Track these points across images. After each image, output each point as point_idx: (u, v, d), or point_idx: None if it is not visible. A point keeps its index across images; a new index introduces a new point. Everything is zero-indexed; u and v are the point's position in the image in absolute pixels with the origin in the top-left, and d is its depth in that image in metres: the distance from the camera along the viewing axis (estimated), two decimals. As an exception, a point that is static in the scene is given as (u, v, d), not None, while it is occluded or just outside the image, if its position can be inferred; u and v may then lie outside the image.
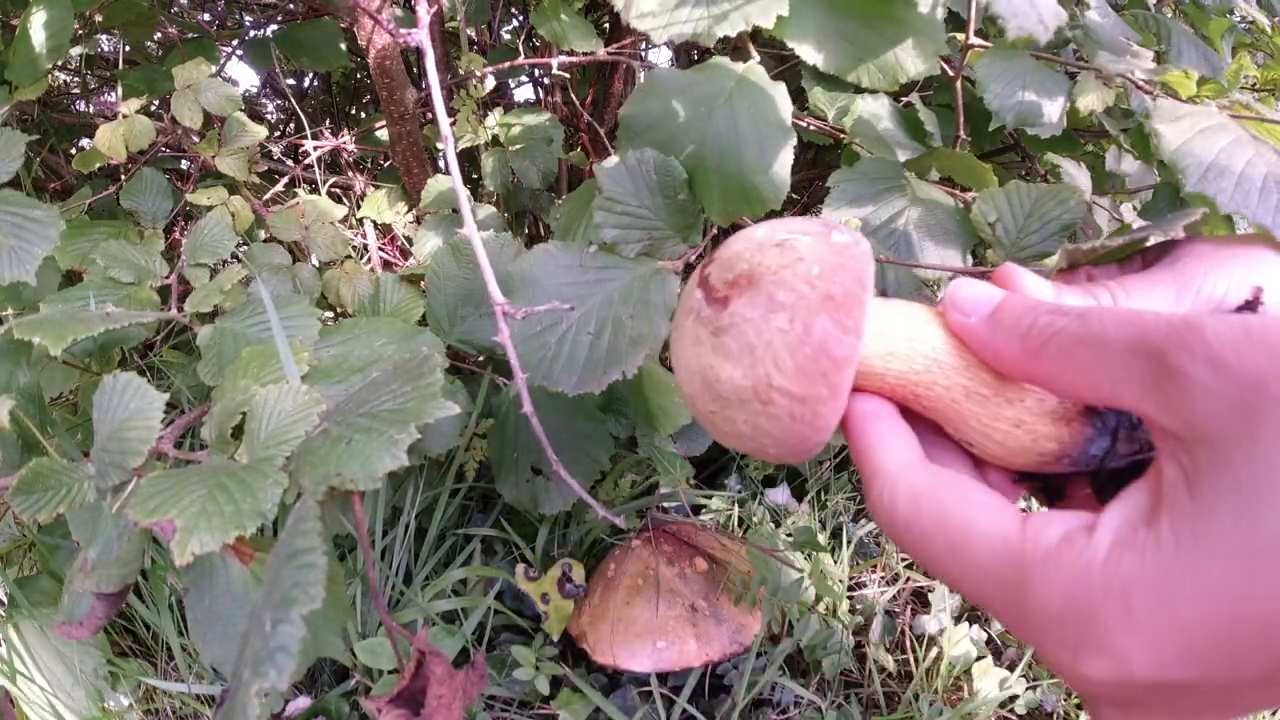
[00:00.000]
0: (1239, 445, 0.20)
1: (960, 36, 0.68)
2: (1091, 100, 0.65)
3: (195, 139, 0.98)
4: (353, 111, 1.61)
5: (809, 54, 0.63)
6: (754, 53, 0.64)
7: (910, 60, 0.65)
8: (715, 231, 0.65)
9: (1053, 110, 0.66)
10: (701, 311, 0.29)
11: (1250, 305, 0.30)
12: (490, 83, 1.04)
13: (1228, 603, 0.20)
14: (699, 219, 0.63)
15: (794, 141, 0.60)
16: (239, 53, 1.26)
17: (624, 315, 0.61)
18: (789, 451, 0.29)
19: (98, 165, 0.96)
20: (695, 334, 0.29)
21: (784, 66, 0.85)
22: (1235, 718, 0.22)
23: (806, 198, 1.24)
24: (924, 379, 0.29)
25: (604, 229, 0.62)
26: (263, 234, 1.02)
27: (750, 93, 0.60)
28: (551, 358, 0.61)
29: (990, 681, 0.95)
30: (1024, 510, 0.25)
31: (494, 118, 1.06)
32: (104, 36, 1.35)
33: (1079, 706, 0.98)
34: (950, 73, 0.71)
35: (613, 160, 0.61)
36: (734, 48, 0.64)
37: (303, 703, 0.89)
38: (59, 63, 0.91)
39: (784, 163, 0.59)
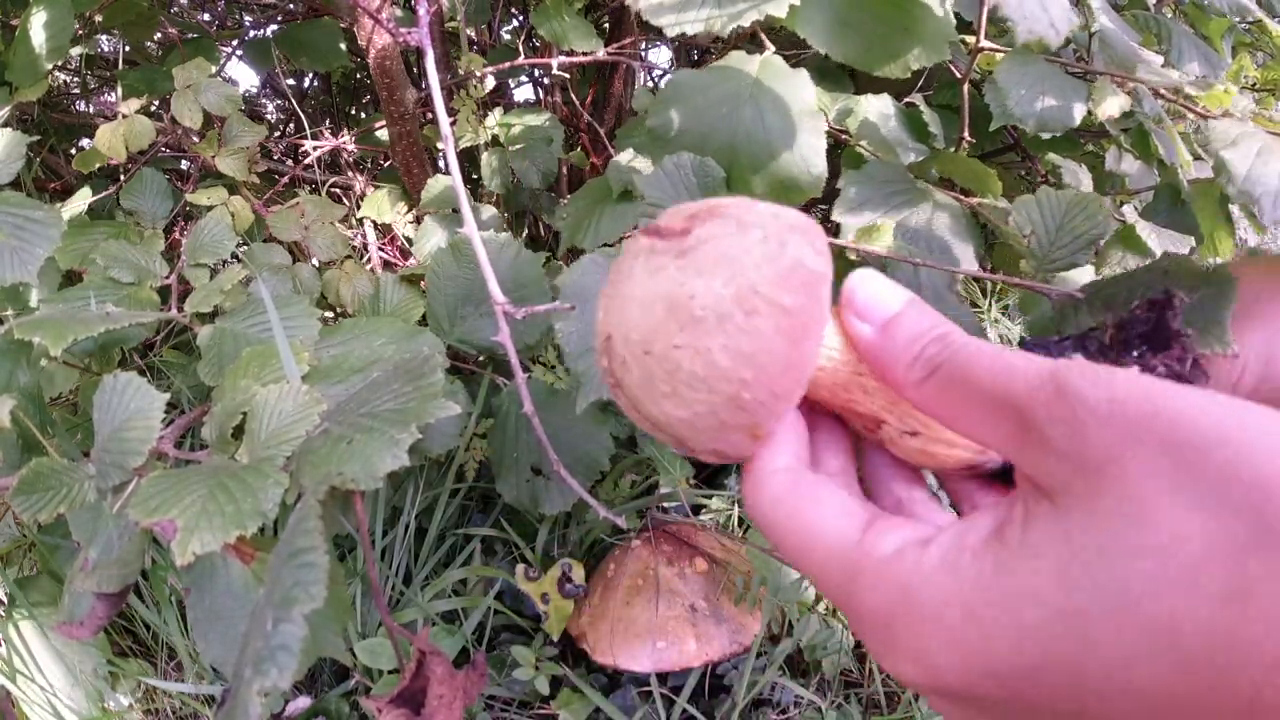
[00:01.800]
0: (1079, 508, 0.22)
1: (969, 39, 0.68)
2: (1110, 107, 0.65)
3: (195, 139, 0.98)
4: (353, 111, 1.61)
5: (820, 44, 0.63)
6: (769, 43, 0.64)
7: (921, 50, 0.65)
8: None
9: (1077, 113, 0.66)
10: (655, 246, 0.26)
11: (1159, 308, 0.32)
12: (490, 83, 1.04)
13: (1032, 644, 0.21)
14: None
15: (824, 126, 0.60)
16: (239, 53, 1.27)
17: None
18: (768, 391, 0.26)
19: (98, 165, 0.96)
20: (651, 266, 0.26)
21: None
22: None
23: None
24: (834, 382, 0.28)
25: None
26: (263, 234, 1.02)
27: (772, 85, 0.60)
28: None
29: (990, 681, 0.95)
30: (873, 519, 0.26)
31: (494, 118, 1.06)
32: (104, 36, 1.35)
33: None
34: (958, 75, 0.71)
35: (644, 164, 0.60)
36: (748, 38, 0.64)
37: (303, 703, 0.89)
38: (59, 63, 0.91)
39: (817, 149, 0.59)
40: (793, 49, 0.86)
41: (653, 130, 0.63)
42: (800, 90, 0.60)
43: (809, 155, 0.59)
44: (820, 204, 0.74)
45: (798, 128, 0.59)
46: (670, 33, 0.59)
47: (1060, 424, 0.22)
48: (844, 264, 0.73)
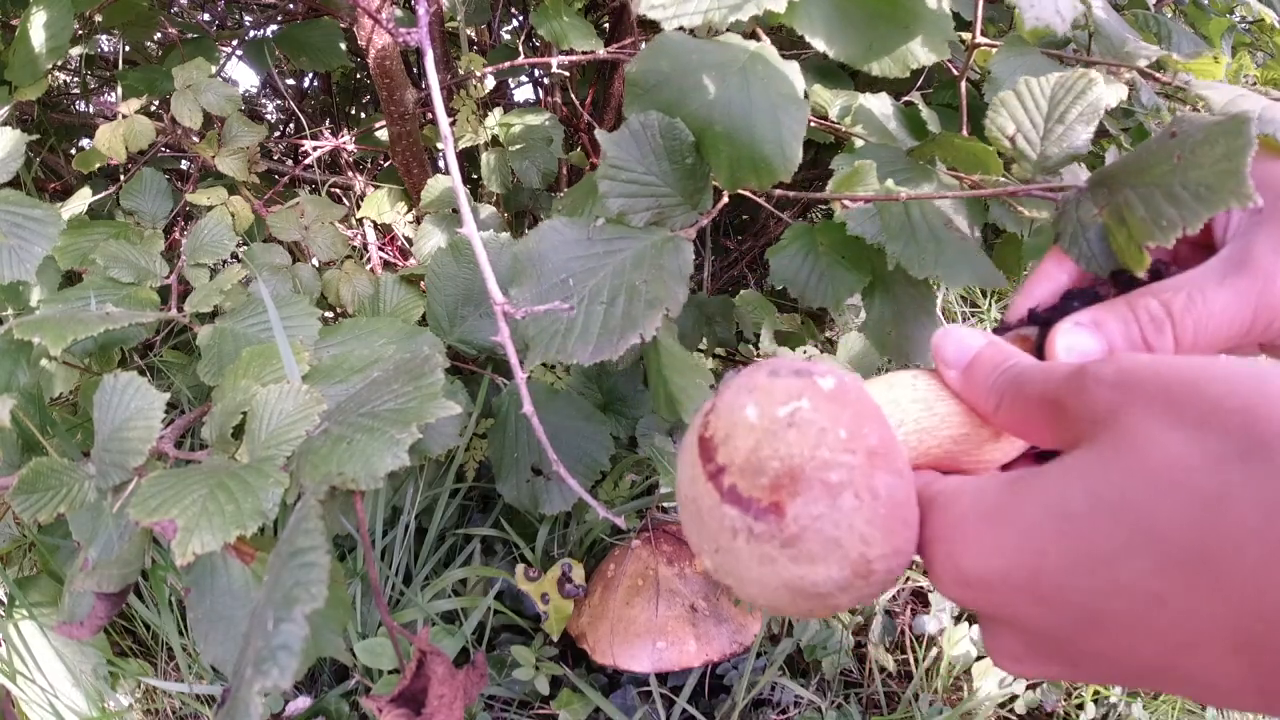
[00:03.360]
0: (1085, 448, 0.26)
1: (965, 36, 0.68)
2: (1108, 96, 0.65)
3: (195, 139, 0.98)
4: (353, 111, 1.61)
5: (819, 42, 0.62)
6: (764, 38, 0.64)
7: (920, 48, 0.64)
8: (725, 201, 0.63)
9: None
10: (754, 529, 0.27)
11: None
12: (490, 83, 1.04)
13: (1033, 544, 0.25)
14: (708, 183, 0.61)
15: (807, 115, 0.58)
16: (239, 53, 1.26)
17: (637, 281, 0.58)
18: (885, 590, 0.30)
19: (98, 165, 0.96)
20: (760, 554, 0.28)
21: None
22: (1071, 677, 0.27)
23: (806, 199, 1.24)
24: (922, 447, 0.33)
25: (609, 199, 0.59)
26: (263, 234, 1.02)
27: (764, 65, 0.59)
28: (564, 331, 0.58)
29: (990, 681, 0.95)
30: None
31: (494, 118, 1.06)
32: (104, 36, 1.35)
33: (1079, 707, 0.98)
34: (955, 72, 0.71)
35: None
36: (747, 35, 0.64)
37: (303, 703, 0.89)
38: (59, 63, 0.91)
39: (796, 135, 0.58)
40: (792, 50, 0.86)
41: (631, 76, 0.60)
42: (790, 77, 0.59)
43: (787, 139, 0.58)
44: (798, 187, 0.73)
45: (781, 109, 0.58)
46: (669, 26, 0.58)
47: (1078, 394, 0.27)
48: (838, 230, 0.73)
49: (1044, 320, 0.38)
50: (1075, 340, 0.35)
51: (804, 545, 0.27)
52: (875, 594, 0.29)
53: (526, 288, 0.59)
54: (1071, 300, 0.38)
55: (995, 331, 0.38)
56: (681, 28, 0.57)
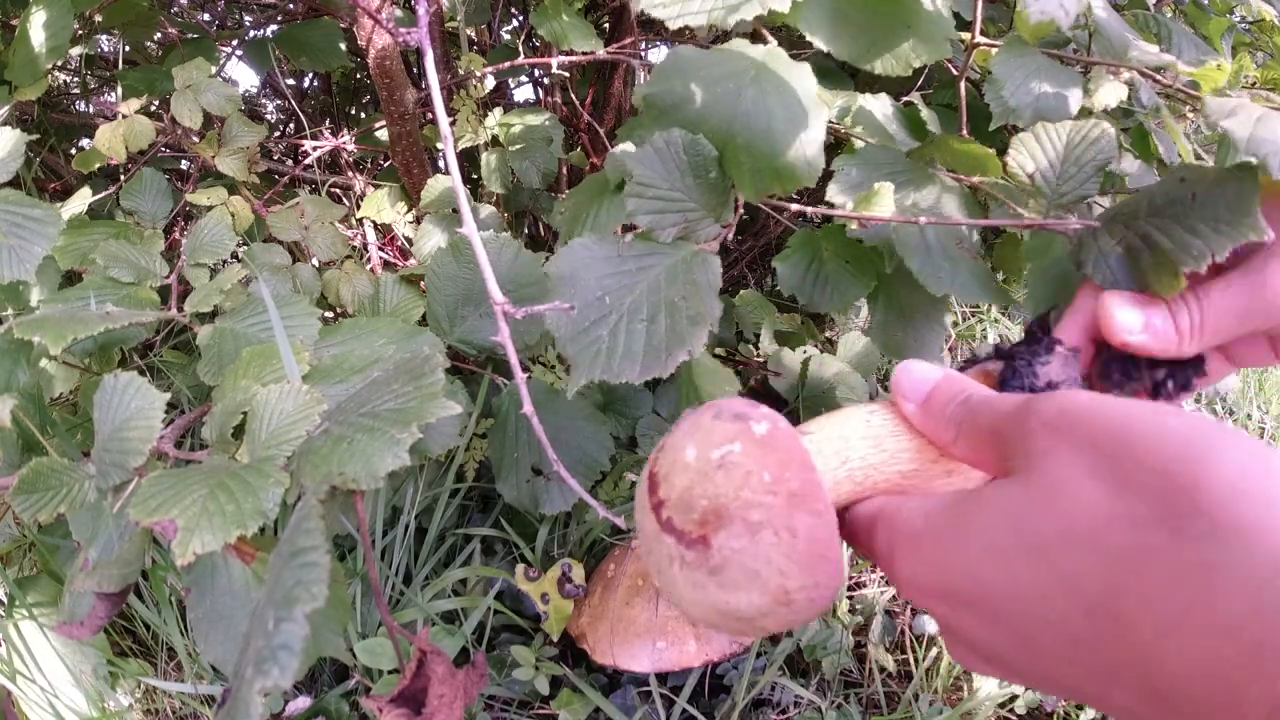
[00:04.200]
0: (1018, 481, 0.27)
1: (965, 36, 0.68)
2: (1107, 96, 0.65)
3: (195, 139, 0.98)
4: (353, 111, 1.61)
5: (821, 42, 0.62)
6: (769, 37, 0.64)
7: (920, 48, 0.64)
8: (741, 211, 0.64)
9: (1073, 100, 0.65)
10: (685, 557, 0.31)
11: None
12: (490, 83, 1.04)
13: (973, 571, 0.27)
14: (730, 196, 0.62)
15: (826, 118, 0.59)
16: (239, 53, 1.26)
17: (676, 297, 0.59)
18: (814, 617, 0.32)
19: (98, 165, 0.96)
20: (691, 580, 0.31)
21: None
22: (1020, 683, 0.29)
23: (806, 198, 1.24)
24: (869, 482, 0.34)
25: (638, 215, 0.60)
26: (263, 234, 1.02)
27: (776, 71, 0.59)
28: (607, 351, 0.59)
29: (990, 681, 0.95)
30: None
31: (494, 118, 1.06)
32: (104, 36, 1.35)
33: (1079, 707, 0.98)
34: (954, 72, 0.71)
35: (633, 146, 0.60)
36: (750, 36, 0.64)
37: (303, 703, 0.89)
38: (59, 63, 0.91)
39: (817, 140, 0.58)
40: (793, 49, 0.86)
41: (648, 99, 0.61)
42: (804, 79, 0.59)
43: (809, 145, 0.58)
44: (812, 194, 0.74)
45: (799, 114, 0.58)
46: (673, 25, 0.58)
47: (1018, 427, 0.28)
48: (841, 234, 0.73)
49: (1008, 355, 0.40)
50: (1125, 315, 0.39)
51: (727, 574, 0.30)
52: (803, 619, 0.31)
53: (557, 315, 0.59)
54: (1036, 334, 0.41)
55: (963, 365, 0.41)
56: (686, 28, 0.57)
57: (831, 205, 0.65)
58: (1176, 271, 0.40)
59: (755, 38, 0.64)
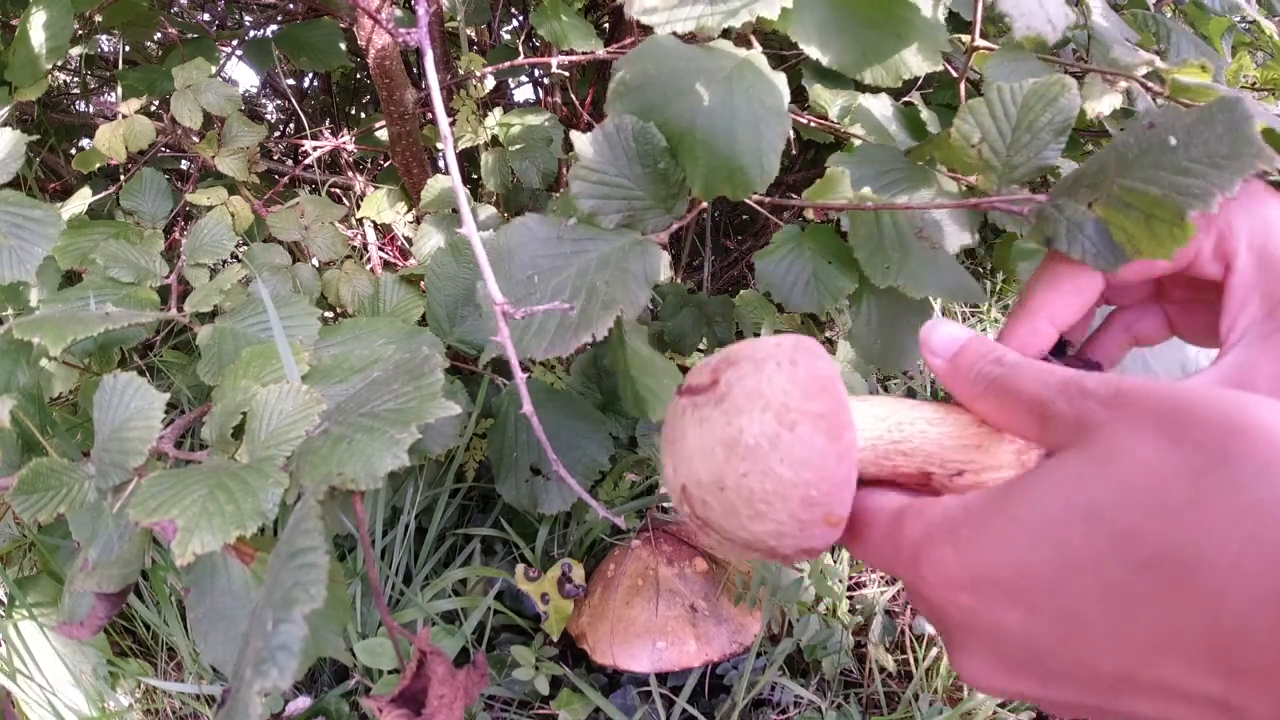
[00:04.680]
0: (1070, 456, 0.27)
1: (964, 38, 0.68)
2: (1101, 104, 0.65)
3: (195, 139, 0.98)
4: (353, 111, 1.61)
5: (813, 50, 0.62)
6: (756, 44, 0.64)
7: (913, 58, 0.64)
8: (704, 206, 0.64)
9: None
10: (696, 402, 0.32)
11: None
12: (490, 83, 1.04)
13: (1016, 551, 0.26)
14: (682, 188, 0.61)
15: (788, 129, 0.58)
16: (239, 53, 1.26)
17: (599, 282, 0.59)
18: (830, 482, 0.30)
19: (98, 165, 0.96)
20: (698, 418, 0.31)
21: (783, 66, 0.85)
22: (1038, 694, 0.28)
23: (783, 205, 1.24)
24: (875, 457, 0.33)
25: (581, 199, 0.60)
26: (263, 234, 1.02)
27: (750, 75, 0.59)
28: (523, 326, 0.59)
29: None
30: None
31: (494, 118, 1.06)
32: (104, 36, 1.35)
33: (1079, 706, 0.98)
34: (954, 73, 0.71)
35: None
36: (735, 41, 0.64)
37: (303, 703, 0.89)
38: (59, 63, 0.91)
39: (775, 148, 0.58)
40: (789, 51, 0.86)
41: (617, 77, 0.60)
42: (776, 89, 0.59)
43: (766, 151, 0.57)
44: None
45: (763, 121, 0.58)
46: (661, 31, 0.58)
47: (1070, 403, 0.28)
48: (826, 232, 0.73)
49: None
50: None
51: (731, 398, 0.30)
52: (810, 454, 0.29)
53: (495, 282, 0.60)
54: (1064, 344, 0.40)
55: None
56: (674, 33, 0.57)
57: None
58: (1181, 217, 0.35)
59: (743, 43, 0.64)
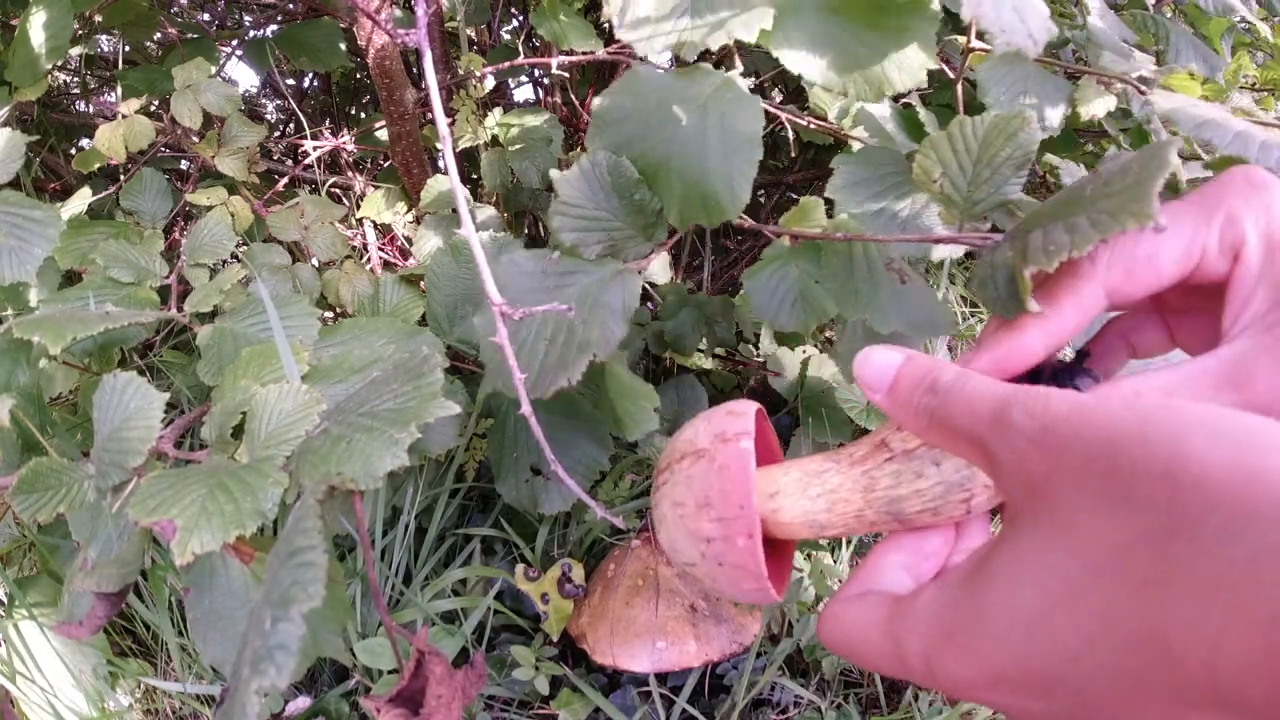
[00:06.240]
0: (1026, 528, 0.26)
1: (961, 39, 0.68)
2: (1094, 107, 0.65)
3: (195, 139, 0.98)
4: (353, 111, 1.61)
5: (795, 65, 0.62)
6: (738, 63, 0.64)
7: (897, 74, 0.64)
8: (679, 236, 0.65)
9: (1054, 116, 0.65)
10: (673, 470, 0.40)
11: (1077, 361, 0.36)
12: (490, 83, 1.04)
13: (1006, 651, 0.26)
14: (660, 217, 0.63)
15: (759, 156, 0.59)
16: (239, 53, 1.26)
17: (577, 321, 0.60)
18: (741, 567, 0.37)
19: (97, 165, 0.96)
20: (663, 481, 0.41)
21: (780, 67, 0.85)
22: None
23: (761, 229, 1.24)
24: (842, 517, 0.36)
25: (563, 233, 0.62)
26: (262, 234, 1.02)
27: (724, 101, 0.59)
28: (510, 367, 0.61)
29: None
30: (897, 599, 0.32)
31: (493, 118, 1.06)
32: (104, 36, 1.36)
33: None
34: (951, 75, 0.71)
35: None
36: (719, 59, 0.64)
37: (302, 703, 0.89)
38: (59, 63, 0.91)
39: (745, 175, 0.58)
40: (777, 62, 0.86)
41: (596, 111, 0.62)
42: (750, 115, 0.59)
43: (736, 179, 0.58)
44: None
45: (734, 150, 0.58)
46: (641, 51, 0.58)
47: (1007, 451, 0.27)
48: (813, 250, 0.72)
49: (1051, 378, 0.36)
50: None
51: (679, 479, 0.39)
52: (733, 543, 0.36)
53: (488, 319, 0.61)
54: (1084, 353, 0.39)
55: None
56: (663, 48, 0.58)
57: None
58: (1022, 285, 0.33)
59: (726, 61, 0.64)
